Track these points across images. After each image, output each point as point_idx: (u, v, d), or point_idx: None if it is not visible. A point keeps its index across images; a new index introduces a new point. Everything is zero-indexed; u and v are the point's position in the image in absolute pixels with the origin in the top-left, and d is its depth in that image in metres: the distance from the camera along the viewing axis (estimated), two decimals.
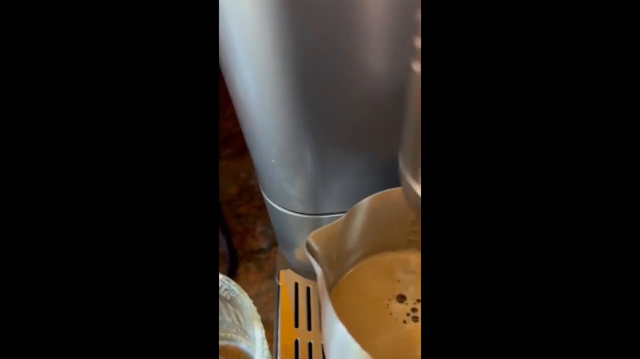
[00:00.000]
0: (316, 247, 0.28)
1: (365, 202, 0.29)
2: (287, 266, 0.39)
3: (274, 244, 0.46)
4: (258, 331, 0.30)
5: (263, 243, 0.46)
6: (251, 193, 0.51)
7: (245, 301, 0.32)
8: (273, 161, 0.28)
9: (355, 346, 0.22)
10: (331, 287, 0.33)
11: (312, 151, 0.27)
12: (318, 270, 0.26)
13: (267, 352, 0.31)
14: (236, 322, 0.37)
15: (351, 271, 0.34)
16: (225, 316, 0.37)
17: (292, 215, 0.32)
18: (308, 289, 0.37)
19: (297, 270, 0.38)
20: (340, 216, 0.32)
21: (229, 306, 0.35)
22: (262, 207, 0.50)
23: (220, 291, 0.34)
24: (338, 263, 0.32)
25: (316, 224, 0.33)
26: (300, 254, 0.38)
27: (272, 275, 0.44)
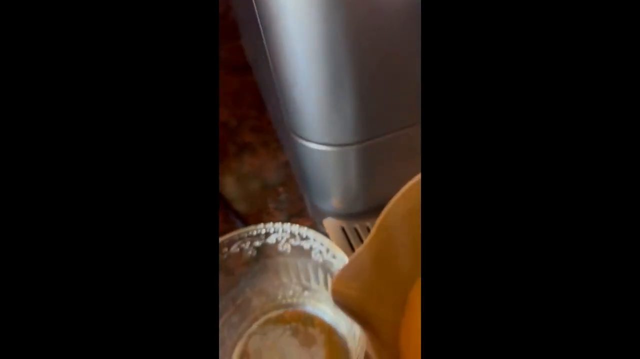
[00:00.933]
0: (350, 292, 0.20)
1: (401, 195, 0.22)
2: (324, 217, 0.39)
3: (292, 215, 0.46)
4: (340, 254, 0.30)
5: (281, 217, 0.46)
6: (247, 179, 0.50)
7: (317, 236, 0.31)
8: (321, 88, 0.28)
9: None
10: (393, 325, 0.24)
11: (362, 69, 0.28)
12: (357, 330, 0.20)
13: None
14: (295, 279, 0.36)
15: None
16: (282, 277, 0.36)
17: (332, 151, 0.33)
18: (355, 229, 0.37)
19: (337, 217, 0.38)
20: (375, 141, 0.33)
21: (289, 260, 0.34)
22: (267, 187, 0.49)
23: (280, 246, 0.33)
24: (395, 296, 0.24)
25: (359, 156, 0.33)
26: (336, 201, 0.38)
27: None
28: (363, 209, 0.38)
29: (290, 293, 0.37)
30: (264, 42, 0.30)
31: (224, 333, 0.35)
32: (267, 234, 0.32)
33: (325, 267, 0.32)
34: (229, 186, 0.50)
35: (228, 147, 0.55)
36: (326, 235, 0.38)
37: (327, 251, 0.31)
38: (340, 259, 0.29)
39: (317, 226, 0.42)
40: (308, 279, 0.35)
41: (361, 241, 0.36)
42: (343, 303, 0.20)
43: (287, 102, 0.32)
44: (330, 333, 0.35)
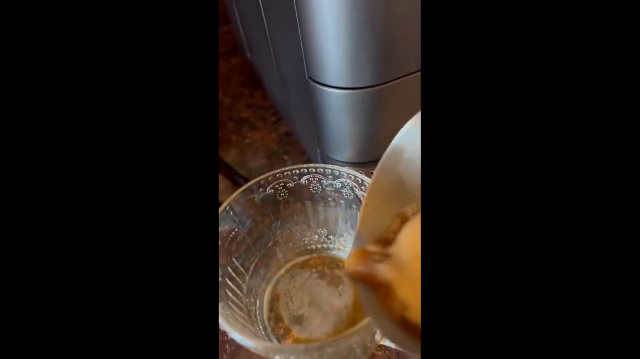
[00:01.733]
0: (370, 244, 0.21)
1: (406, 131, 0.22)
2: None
3: None
4: None
5: None
6: (251, 150, 0.52)
7: (350, 172, 0.33)
8: (347, 30, 0.31)
9: None
10: None
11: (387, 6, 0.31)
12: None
13: None
14: (322, 224, 0.38)
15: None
16: (310, 222, 0.38)
17: (354, 94, 0.35)
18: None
19: (353, 167, 0.41)
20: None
21: (318, 203, 0.36)
22: (272, 157, 0.51)
23: (312, 187, 0.35)
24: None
25: (380, 99, 0.36)
26: (354, 150, 0.40)
27: None
28: (379, 158, 0.40)
29: (316, 238, 0.39)
30: None
31: (252, 282, 0.37)
32: (301, 175, 0.34)
33: (358, 204, 0.34)
34: (233, 156, 0.52)
35: (226, 123, 0.57)
36: None
37: (362, 183, 0.33)
38: None
39: None
40: (335, 223, 0.37)
41: None
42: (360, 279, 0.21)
43: (312, 49, 0.34)
44: None
